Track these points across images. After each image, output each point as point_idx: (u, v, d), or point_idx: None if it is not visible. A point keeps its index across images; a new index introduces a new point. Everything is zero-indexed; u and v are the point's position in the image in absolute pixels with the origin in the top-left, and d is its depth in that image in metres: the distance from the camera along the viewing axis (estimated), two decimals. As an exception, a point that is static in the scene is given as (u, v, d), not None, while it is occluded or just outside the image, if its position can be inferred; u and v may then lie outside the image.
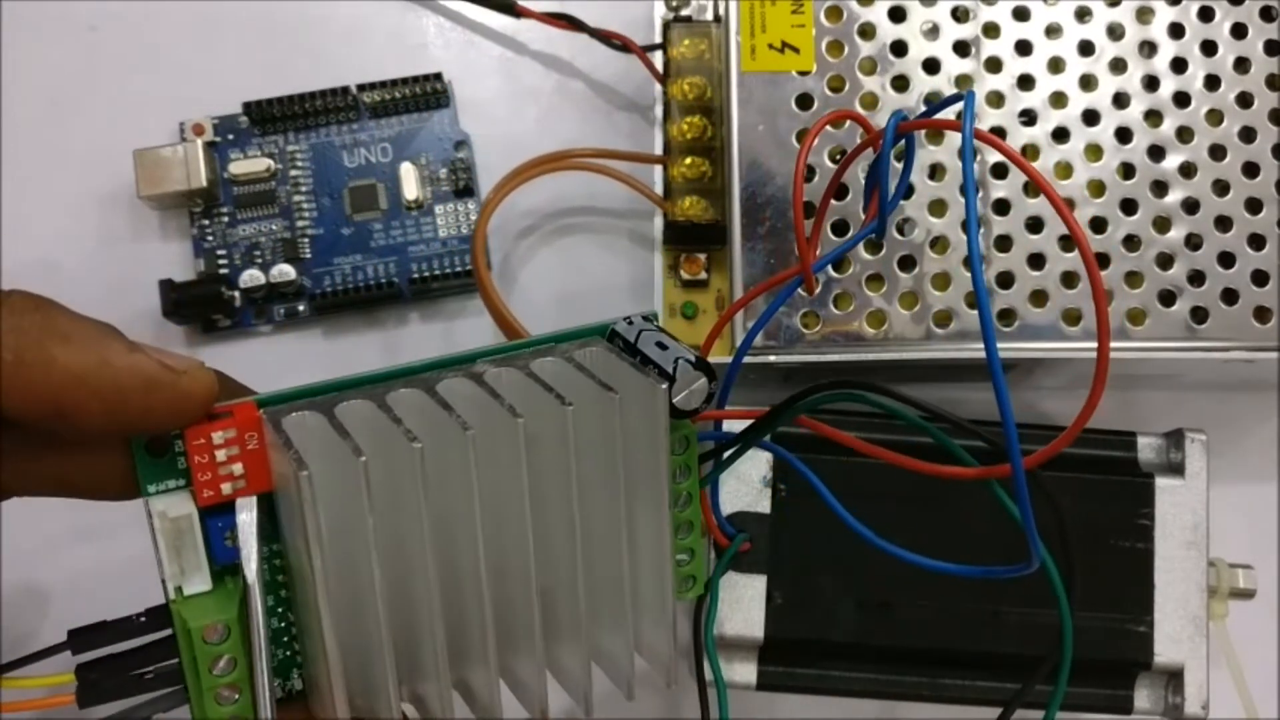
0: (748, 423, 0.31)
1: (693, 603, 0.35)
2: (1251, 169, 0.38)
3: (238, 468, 0.26)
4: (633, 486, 0.29)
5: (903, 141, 0.31)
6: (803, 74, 0.39)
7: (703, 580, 0.32)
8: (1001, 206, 0.38)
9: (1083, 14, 0.39)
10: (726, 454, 0.32)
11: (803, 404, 0.30)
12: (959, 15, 0.39)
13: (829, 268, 0.37)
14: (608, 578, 0.29)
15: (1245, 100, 0.38)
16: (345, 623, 0.26)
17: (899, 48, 0.39)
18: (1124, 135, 0.38)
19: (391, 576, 0.26)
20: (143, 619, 0.26)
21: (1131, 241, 0.38)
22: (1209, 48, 0.38)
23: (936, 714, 0.41)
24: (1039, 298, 0.37)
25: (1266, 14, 0.38)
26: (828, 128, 0.38)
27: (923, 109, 0.38)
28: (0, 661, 0.27)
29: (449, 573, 0.27)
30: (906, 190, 0.38)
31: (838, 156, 0.38)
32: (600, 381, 0.28)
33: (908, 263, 0.38)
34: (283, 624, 0.28)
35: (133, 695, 0.26)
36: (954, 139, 0.38)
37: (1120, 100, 0.38)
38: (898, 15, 0.39)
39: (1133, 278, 0.37)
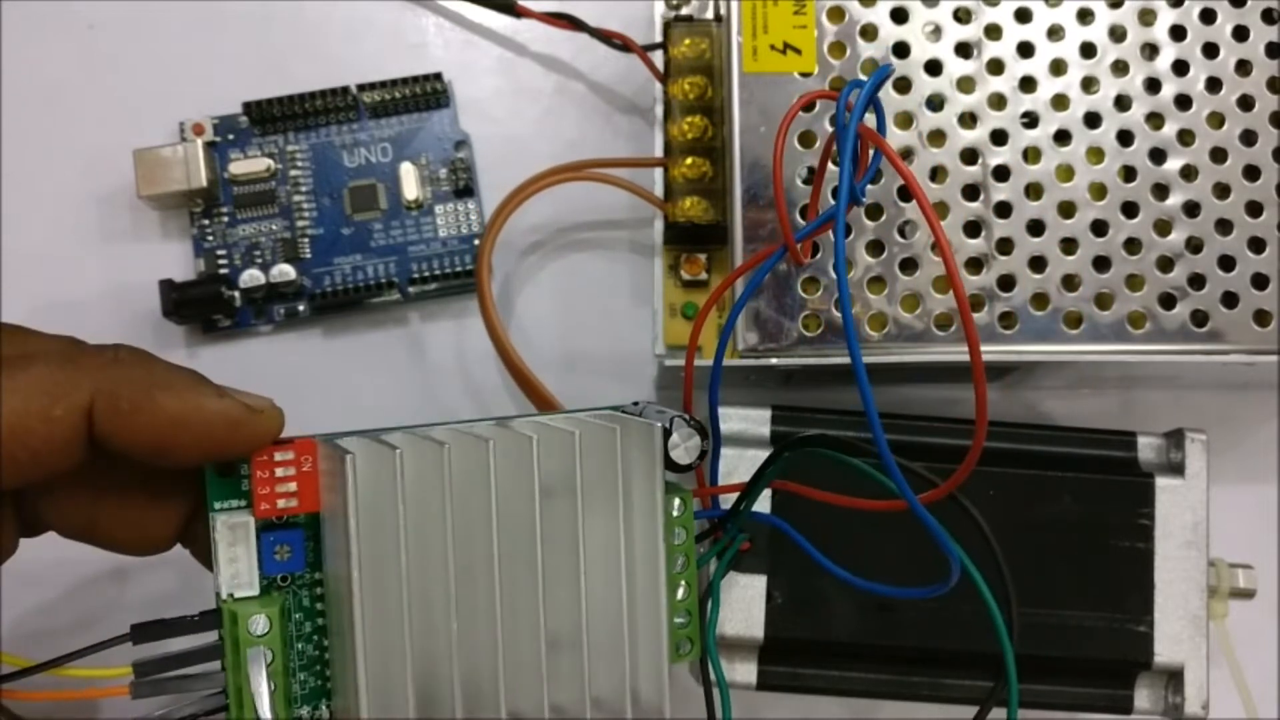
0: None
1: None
2: (1252, 172, 0.38)
3: (293, 486, 0.29)
4: (630, 524, 0.31)
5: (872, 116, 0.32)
6: (804, 75, 0.39)
7: (700, 643, 0.33)
8: (1003, 209, 0.38)
9: (1085, 15, 0.39)
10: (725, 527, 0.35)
11: (771, 470, 0.33)
12: (961, 17, 0.39)
13: (831, 272, 0.37)
14: (606, 615, 0.31)
15: (1246, 103, 0.38)
16: (374, 647, 0.28)
17: (901, 49, 0.39)
18: (1125, 138, 0.38)
19: (420, 612, 0.29)
20: (197, 618, 0.29)
21: (1132, 244, 0.38)
22: (1210, 50, 0.38)
23: (936, 714, 0.41)
24: (1040, 300, 0.37)
25: (1268, 16, 0.39)
26: (830, 129, 0.38)
27: (925, 111, 0.38)
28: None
29: (467, 608, 0.29)
30: (907, 194, 0.38)
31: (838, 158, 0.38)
32: (604, 421, 0.31)
33: (909, 265, 0.38)
34: (318, 651, 0.30)
35: (180, 692, 0.29)
36: (955, 142, 0.38)
37: (1122, 103, 0.38)
38: (900, 16, 0.39)
39: (1133, 280, 0.37)
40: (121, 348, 0.29)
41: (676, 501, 0.32)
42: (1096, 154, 0.38)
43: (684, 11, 0.42)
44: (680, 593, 0.33)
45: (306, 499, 0.29)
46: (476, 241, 0.44)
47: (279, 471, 0.29)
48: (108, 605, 0.42)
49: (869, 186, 0.38)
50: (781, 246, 0.34)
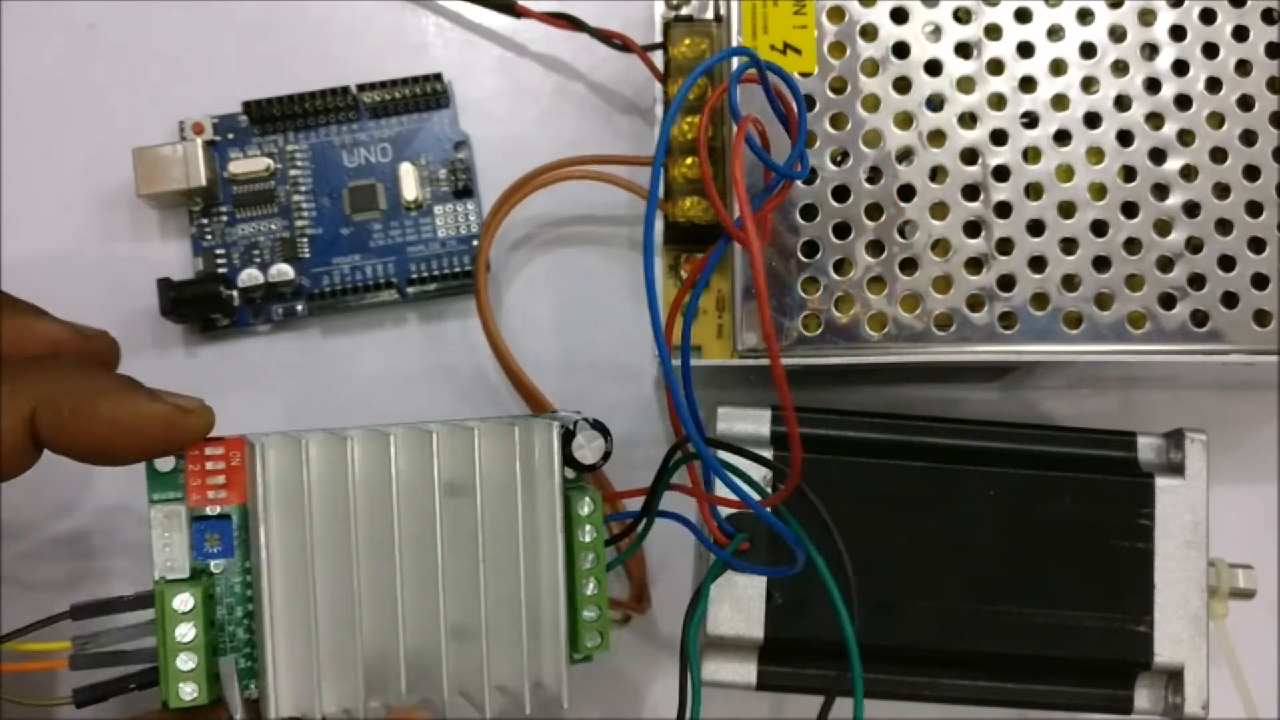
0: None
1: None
2: (1252, 172, 0.38)
3: (222, 479, 0.33)
4: (533, 520, 0.34)
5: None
6: (804, 75, 0.39)
7: (609, 637, 0.35)
8: (1003, 209, 0.38)
9: (1084, 16, 0.39)
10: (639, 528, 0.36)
11: (666, 475, 0.34)
12: (961, 17, 0.39)
13: (831, 271, 0.37)
14: (508, 607, 0.34)
15: (1246, 103, 0.38)
16: (282, 630, 0.32)
17: (901, 49, 0.39)
18: (1125, 138, 0.38)
19: (327, 599, 0.32)
20: (131, 598, 0.33)
21: (1132, 244, 0.38)
22: (1210, 50, 0.38)
23: (937, 714, 0.41)
24: (1040, 300, 0.37)
25: (1268, 16, 0.39)
26: (829, 129, 0.38)
27: (925, 111, 0.38)
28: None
29: (374, 596, 0.33)
30: (907, 194, 0.38)
31: (839, 159, 0.38)
32: (507, 421, 0.34)
33: (909, 265, 0.38)
34: (248, 635, 0.33)
35: (117, 666, 0.32)
36: (955, 142, 0.38)
37: (1121, 103, 0.38)
38: (900, 16, 0.39)
39: (1133, 280, 0.37)
40: (62, 356, 0.33)
41: (586, 500, 0.34)
42: (1096, 154, 0.38)
43: (684, 11, 0.42)
44: (590, 589, 0.34)
45: (235, 491, 0.33)
46: (475, 243, 0.44)
47: (209, 465, 0.32)
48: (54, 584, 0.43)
49: (849, 170, 0.38)
50: (724, 237, 0.34)
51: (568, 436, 0.33)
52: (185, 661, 0.31)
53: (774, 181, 0.36)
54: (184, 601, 0.31)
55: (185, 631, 0.31)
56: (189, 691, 0.31)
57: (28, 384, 0.31)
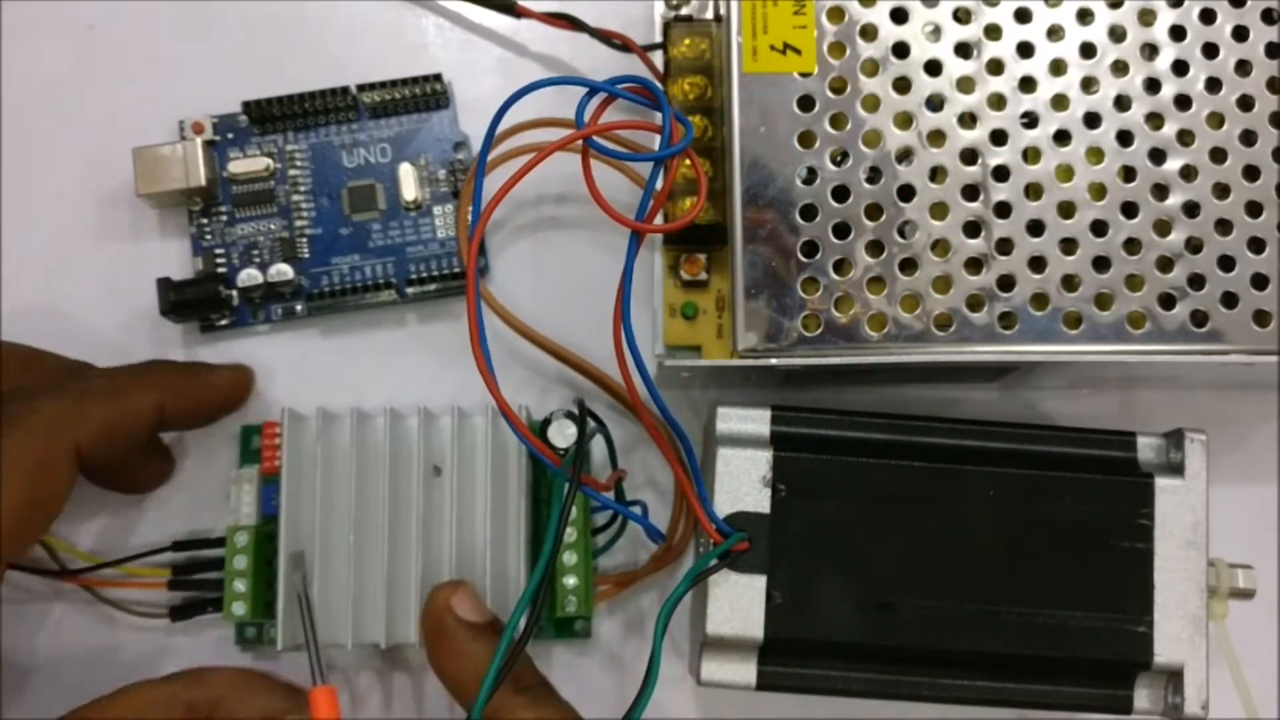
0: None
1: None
2: (1252, 172, 0.38)
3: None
4: (505, 493, 0.41)
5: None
6: (804, 75, 0.39)
7: (589, 604, 0.41)
8: (1003, 209, 0.38)
9: (1084, 16, 0.39)
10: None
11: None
12: (961, 17, 0.39)
13: (831, 271, 0.37)
14: (475, 565, 0.41)
15: (1246, 103, 0.38)
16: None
17: (900, 49, 0.39)
18: (1125, 138, 0.38)
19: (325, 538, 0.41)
20: (215, 539, 0.42)
21: (1132, 244, 0.38)
22: (1210, 50, 0.38)
23: (937, 714, 0.41)
24: (1040, 300, 0.37)
25: (1268, 16, 0.39)
26: (829, 129, 0.38)
27: (925, 111, 0.38)
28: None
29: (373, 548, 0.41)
30: (909, 193, 0.38)
31: (839, 159, 0.38)
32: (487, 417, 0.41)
33: (909, 265, 0.38)
34: None
35: (201, 590, 0.43)
36: (955, 142, 0.38)
37: (1121, 103, 0.38)
38: (899, 16, 0.39)
39: (1133, 280, 0.37)
40: (161, 360, 0.43)
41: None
42: (1096, 154, 0.38)
43: (684, 11, 0.42)
44: (571, 560, 0.40)
45: None
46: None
47: (277, 441, 0.41)
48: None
49: (849, 170, 0.38)
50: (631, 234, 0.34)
51: (546, 423, 0.39)
52: (239, 585, 0.40)
53: (654, 170, 0.35)
54: (241, 538, 0.41)
55: (240, 562, 0.40)
56: (239, 609, 0.40)
57: (153, 379, 0.40)
